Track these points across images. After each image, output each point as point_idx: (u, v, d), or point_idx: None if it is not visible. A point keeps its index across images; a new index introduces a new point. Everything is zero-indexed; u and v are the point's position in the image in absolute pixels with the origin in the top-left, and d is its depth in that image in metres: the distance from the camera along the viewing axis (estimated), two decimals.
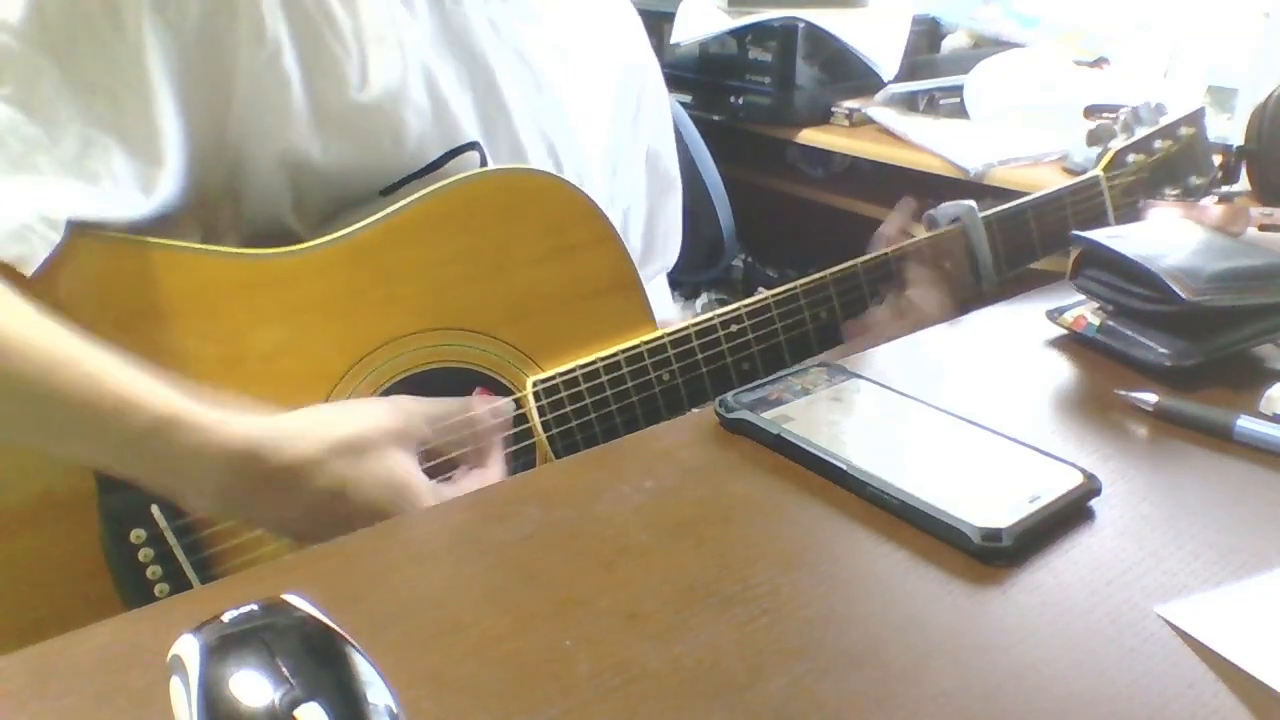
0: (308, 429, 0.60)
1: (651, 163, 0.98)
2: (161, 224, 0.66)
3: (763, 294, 0.79)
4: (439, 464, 0.69)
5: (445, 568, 0.47)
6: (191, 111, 0.65)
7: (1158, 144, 0.94)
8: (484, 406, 0.69)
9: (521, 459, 0.73)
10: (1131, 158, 0.93)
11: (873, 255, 0.82)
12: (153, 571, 0.64)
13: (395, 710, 0.34)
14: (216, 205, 0.69)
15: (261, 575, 0.47)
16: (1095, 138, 0.95)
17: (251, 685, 0.33)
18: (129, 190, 0.63)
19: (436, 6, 0.75)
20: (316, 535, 0.60)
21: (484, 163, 0.76)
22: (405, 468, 0.63)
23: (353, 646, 0.35)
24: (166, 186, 0.65)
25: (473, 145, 0.75)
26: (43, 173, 0.60)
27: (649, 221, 0.99)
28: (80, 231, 0.62)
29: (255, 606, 0.36)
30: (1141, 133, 0.94)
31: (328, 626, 0.36)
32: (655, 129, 0.98)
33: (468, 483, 0.67)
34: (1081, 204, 0.90)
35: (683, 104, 1.71)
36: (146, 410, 0.56)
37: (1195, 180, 0.95)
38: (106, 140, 0.62)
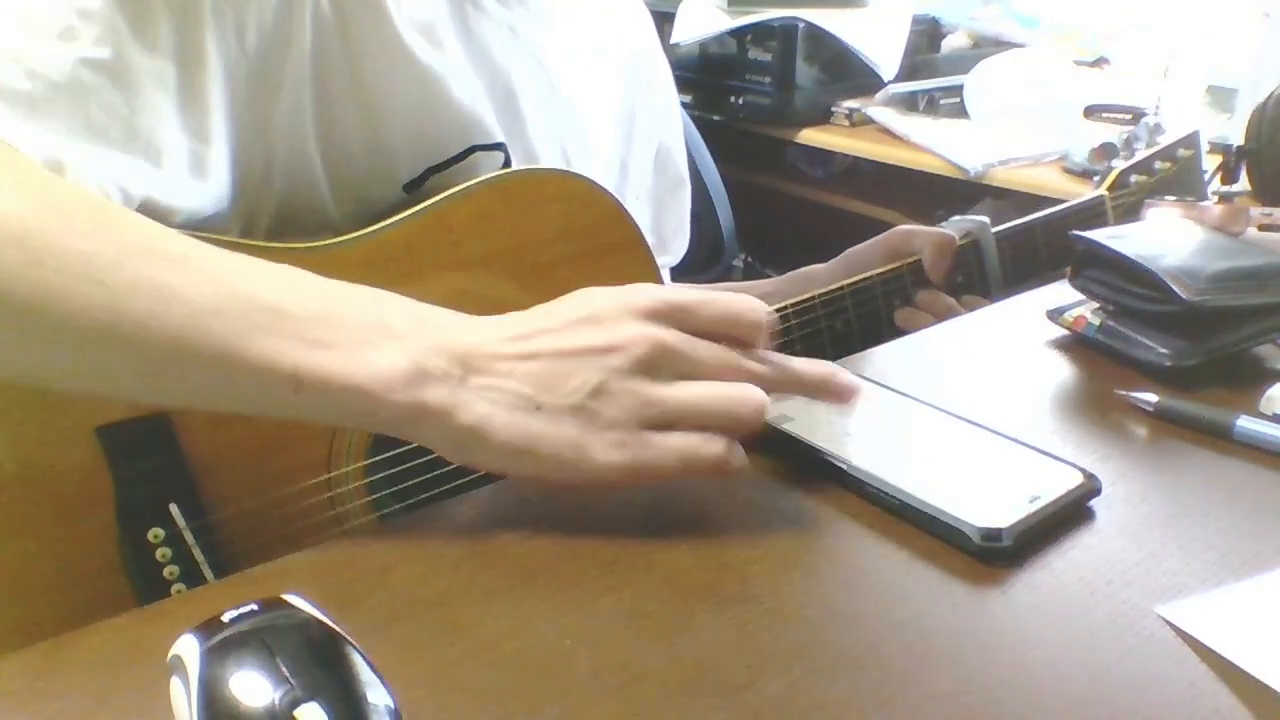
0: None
1: (662, 159, 0.98)
2: (214, 217, 0.65)
3: (782, 302, 0.79)
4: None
5: (445, 568, 0.47)
6: (237, 94, 0.64)
7: (1158, 165, 0.98)
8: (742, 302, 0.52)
9: None
10: (1134, 178, 0.96)
11: (889, 268, 0.83)
12: (170, 571, 0.64)
13: (395, 710, 0.34)
14: (251, 198, 0.68)
15: (261, 575, 0.47)
16: (1099, 156, 1.00)
17: (251, 685, 0.33)
18: (183, 170, 0.62)
19: (458, 12, 0.75)
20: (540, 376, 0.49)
21: (506, 163, 0.77)
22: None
23: (353, 646, 0.35)
24: (217, 170, 0.64)
25: (498, 146, 0.76)
26: (114, 145, 0.58)
27: (657, 217, 0.99)
28: None
29: (255, 606, 0.36)
30: (1141, 151, 0.98)
31: (328, 626, 0.36)
32: (665, 125, 0.98)
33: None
34: (1086, 223, 0.92)
35: (683, 104, 1.71)
36: (281, 373, 0.47)
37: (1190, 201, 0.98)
38: (170, 109, 0.61)
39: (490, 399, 0.48)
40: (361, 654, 0.35)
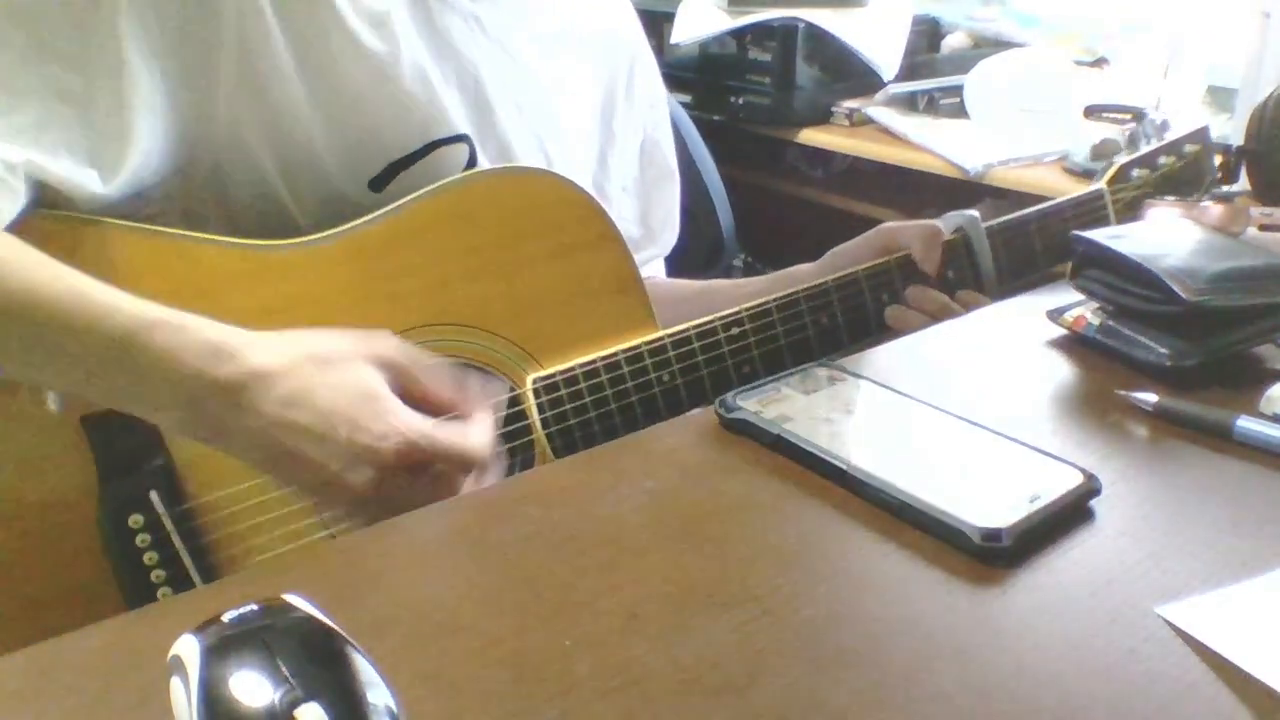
0: (281, 339, 0.59)
1: (648, 153, 0.98)
2: (144, 209, 0.66)
3: (765, 298, 0.79)
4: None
5: (445, 568, 0.47)
6: (174, 93, 0.65)
7: (1162, 160, 0.95)
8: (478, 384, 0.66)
9: (519, 456, 0.74)
10: (1136, 172, 0.94)
11: (875, 263, 0.82)
12: (149, 557, 0.64)
13: (395, 710, 0.34)
14: (200, 194, 0.69)
15: (261, 575, 0.47)
16: (1100, 152, 0.96)
17: (251, 685, 0.33)
18: (86, 169, 0.63)
19: (420, 4, 0.75)
20: (281, 453, 0.57)
21: (472, 157, 0.77)
22: (376, 382, 0.60)
23: (353, 646, 0.35)
24: (136, 169, 0.65)
25: (461, 138, 0.76)
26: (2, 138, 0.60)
27: (645, 210, 0.99)
28: (80, 220, 0.62)
29: (255, 606, 0.36)
30: (1145, 148, 0.95)
31: (328, 626, 0.36)
32: (652, 118, 0.98)
33: (448, 431, 0.62)
34: (1085, 216, 0.90)
35: (683, 104, 1.71)
36: (129, 314, 0.55)
37: (1198, 198, 0.95)
38: (67, 114, 0.62)
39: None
40: (361, 654, 0.35)
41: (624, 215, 0.96)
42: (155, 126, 0.65)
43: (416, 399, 0.62)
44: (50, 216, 0.63)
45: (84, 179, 0.63)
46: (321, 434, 0.57)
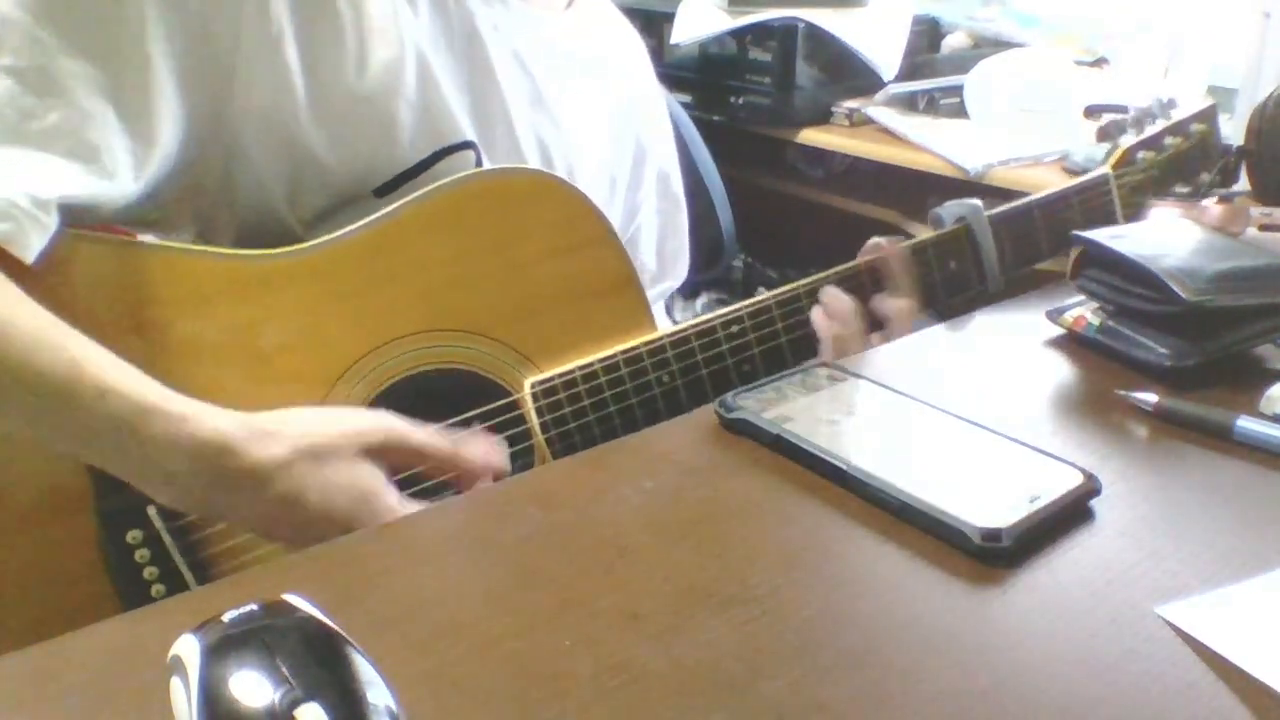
0: (279, 430, 0.60)
1: (663, 184, 0.98)
2: (155, 213, 0.66)
3: (763, 294, 0.78)
4: (417, 490, 0.68)
5: (445, 568, 0.47)
6: (191, 92, 0.65)
7: (1168, 141, 0.92)
8: (477, 447, 0.67)
9: (520, 461, 0.73)
10: (1141, 155, 0.91)
11: (874, 256, 0.81)
12: (149, 572, 0.64)
13: (395, 710, 0.34)
14: (212, 196, 0.69)
15: (261, 575, 0.47)
16: (1105, 134, 0.93)
17: (251, 685, 0.33)
18: (123, 169, 0.63)
19: (440, 7, 0.75)
20: (281, 537, 0.61)
21: (479, 163, 0.76)
22: (371, 477, 0.62)
23: (353, 646, 0.35)
24: (157, 168, 0.65)
25: (467, 145, 0.75)
26: (38, 145, 0.60)
27: (660, 242, 0.99)
28: (79, 236, 0.62)
29: (255, 607, 0.36)
30: (1152, 129, 0.92)
31: (328, 626, 0.36)
32: (664, 150, 0.98)
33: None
34: (1089, 203, 0.88)
35: (683, 104, 1.71)
36: (125, 397, 0.56)
37: (1207, 178, 0.93)
38: (106, 112, 0.62)
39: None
40: (361, 654, 0.35)
41: (642, 246, 0.96)
42: (173, 128, 0.65)
43: (414, 466, 0.65)
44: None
45: (119, 185, 0.63)
46: (314, 534, 0.58)
